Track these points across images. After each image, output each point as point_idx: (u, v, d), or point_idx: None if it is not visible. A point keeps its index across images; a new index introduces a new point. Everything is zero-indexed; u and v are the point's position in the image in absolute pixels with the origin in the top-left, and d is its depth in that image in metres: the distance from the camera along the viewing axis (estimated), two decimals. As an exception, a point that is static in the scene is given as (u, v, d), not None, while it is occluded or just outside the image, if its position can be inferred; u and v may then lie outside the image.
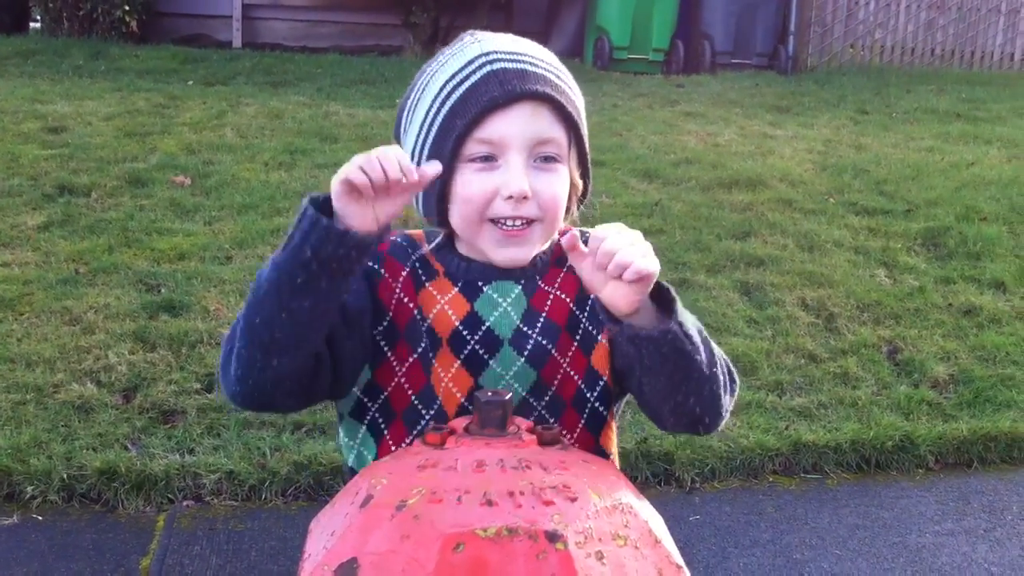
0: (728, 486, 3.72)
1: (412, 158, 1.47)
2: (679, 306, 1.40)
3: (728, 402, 1.48)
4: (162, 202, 5.35)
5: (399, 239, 1.55)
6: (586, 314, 1.54)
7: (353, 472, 1.51)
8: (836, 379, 4.29)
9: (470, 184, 1.43)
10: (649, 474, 3.68)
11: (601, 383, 1.54)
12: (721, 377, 1.45)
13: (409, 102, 1.52)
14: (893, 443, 3.93)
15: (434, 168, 1.35)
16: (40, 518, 3.25)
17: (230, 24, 10.28)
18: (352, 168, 1.32)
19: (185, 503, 3.36)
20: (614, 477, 1.28)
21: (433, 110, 1.45)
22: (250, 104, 7.30)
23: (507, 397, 1.31)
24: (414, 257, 1.53)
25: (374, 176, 1.31)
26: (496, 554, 1.11)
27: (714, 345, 1.47)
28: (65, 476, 3.33)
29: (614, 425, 1.59)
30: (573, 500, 1.17)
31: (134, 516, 3.29)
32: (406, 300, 1.50)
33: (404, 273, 1.51)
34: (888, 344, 4.57)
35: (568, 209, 1.52)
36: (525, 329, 1.50)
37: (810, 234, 5.51)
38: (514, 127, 1.42)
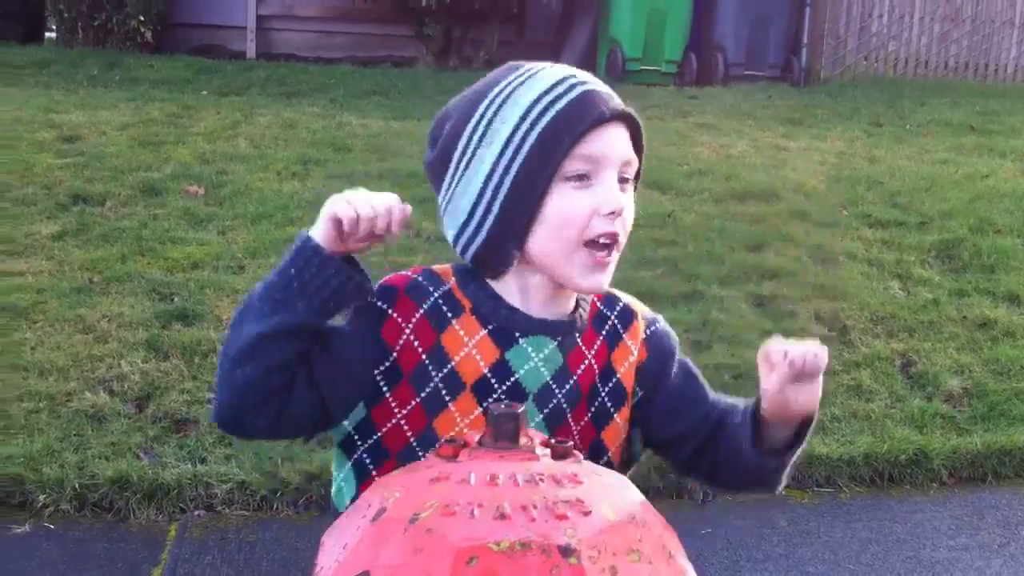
0: (740, 499, 3.71)
1: (489, 180, 1.42)
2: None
3: None
4: (176, 211, 5.37)
5: (420, 277, 1.50)
6: (607, 389, 1.52)
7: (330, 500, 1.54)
8: (849, 392, 4.27)
9: (571, 203, 1.39)
10: (661, 486, 3.66)
11: (606, 457, 1.52)
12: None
13: (472, 125, 1.44)
14: (907, 457, 3.91)
15: (406, 212, 1.38)
16: (52, 527, 3.25)
17: (244, 35, 10.32)
18: (347, 209, 1.36)
19: (197, 513, 3.37)
20: (628, 491, 1.28)
21: (523, 131, 1.40)
22: (264, 114, 7.32)
23: (520, 410, 1.30)
24: (437, 295, 1.47)
25: (363, 226, 1.36)
26: (509, 568, 1.10)
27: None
28: (77, 485, 3.33)
29: None
30: (587, 514, 1.17)
31: (146, 525, 3.30)
32: (416, 343, 1.45)
33: (419, 314, 1.46)
34: (902, 357, 4.55)
35: None
36: (553, 387, 1.47)
37: (823, 246, 5.49)
38: (611, 145, 1.41)
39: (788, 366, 1.40)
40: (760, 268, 5.15)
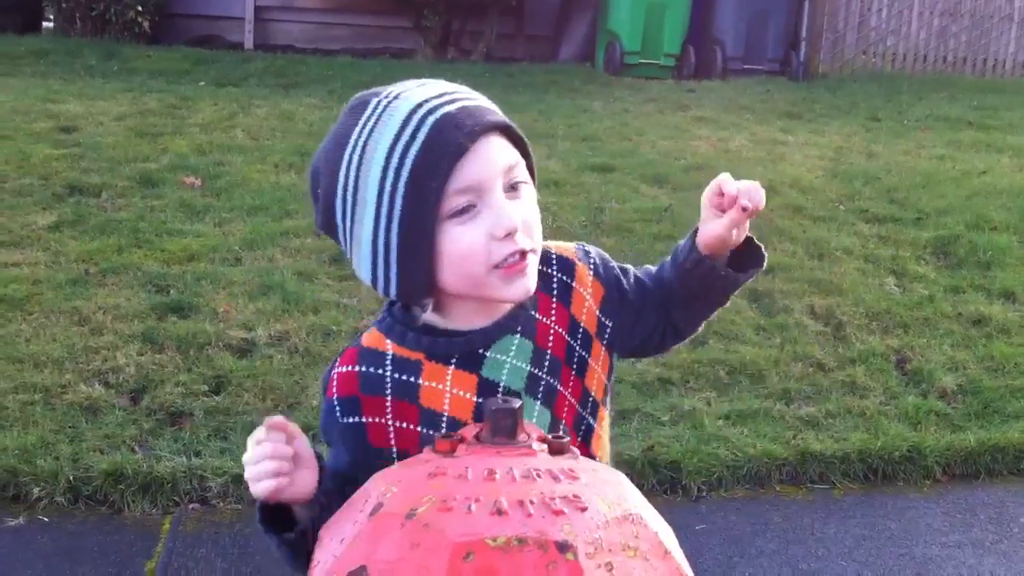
0: (735, 495, 3.71)
1: (375, 239, 1.37)
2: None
3: None
4: (172, 203, 5.36)
5: (362, 367, 1.46)
6: (578, 342, 1.52)
7: None
8: (844, 388, 4.28)
9: (461, 240, 1.35)
10: (655, 482, 3.67)
11: (591, 399, 1.54)
12: None
13: (340, 187, 1.38)
14: (901, 453, 3.91)
15: (280, 419, 1.35)
16: (46, 519, 3.25)
17: (242, 25, 10.32)
18: (261, 476, 1.34)
19: (191, 506, 3.36)
20: (624, 487, 1.28)
21: (389, 182, 1.33)
22: (261, 106, 7.32)
23: (517, 405, 1.31)
24: (388, 370, 1.44)
25: (284, 469, 1.34)
26: (506, 564, 1.11)
27: None
28: (72, 477, 3.33)
29: (604, 425, 1.59)
30: (583, 510, 1.17)
31: (140, 518, 3.29)
32: (405, 424, 1.45)
33: (388, 401, 1.44)
34: (897, 353, 4.55)
35: None
36: (536, 372, 1.48)
37: (820, 241, 5.50)
38: (485, 165, 1.34)
39: (741, 210, 1.45)
40: (757, 263, 5.14)
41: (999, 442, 4.01)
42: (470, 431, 1.33)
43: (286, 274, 4.62)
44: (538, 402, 1.48)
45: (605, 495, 1.21)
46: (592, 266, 1.56)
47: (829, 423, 4.05)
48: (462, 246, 1.35)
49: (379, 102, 1.37)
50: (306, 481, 1.37)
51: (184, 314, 4.26)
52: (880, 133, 7.92)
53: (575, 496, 1.18)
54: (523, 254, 1.39)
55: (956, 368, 4.48)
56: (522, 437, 1.30)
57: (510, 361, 1.48)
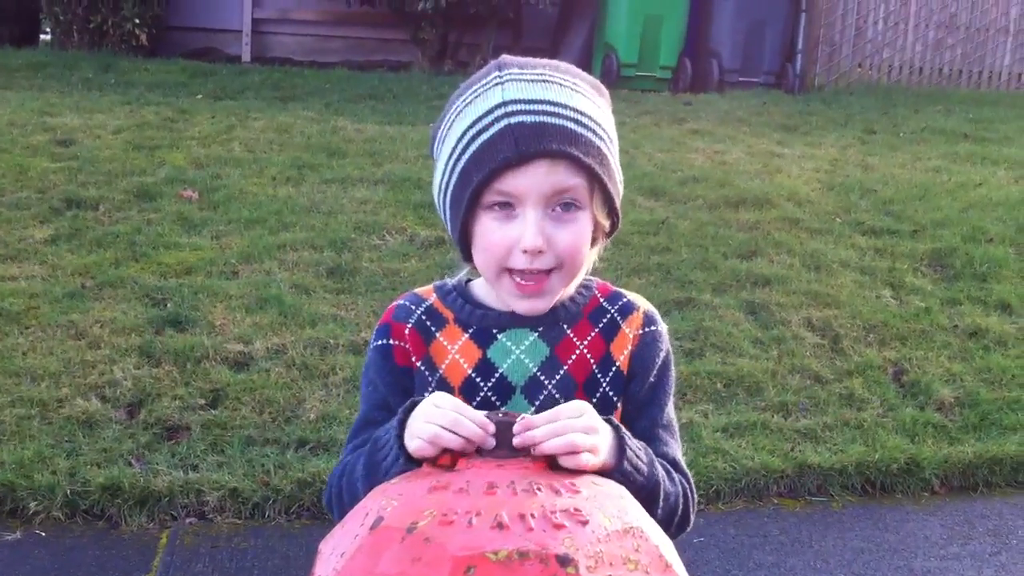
0: (733, 508, 3.71)
1: (439, 192, 1.51)
2: (629, 452, 1.39)
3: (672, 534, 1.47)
4: (169, 216, 5.36)
5: (405, 301, 1.60)
6: (608, 379, 1.54)
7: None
8: (842, 400, 4.28)
9: (489, 234, 1.45)
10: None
11: None
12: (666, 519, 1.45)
13: (440, 131, 1.52)
14: (898, 466, 3.91)
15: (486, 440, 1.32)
16: (43, 534, 3.24)
17: (240, 38, 10.32)
18: (432, 435, 1.31)
19: (188, 520, 3.36)
20: (625, 500, 1.28)
21: (455, 156, 1.46)
22: (258, 118, 7.31)
23: (518, 418, 1.31)
24: (419, 311, 1.57)
25: (454, 446, 1.31)
26: (506, 578, 1.10)
27: (671, 483, 1.49)
28: (69, 492, 3.32)
29: None
30: (584, 523, 1.17)
31: (137, 533, 3.28)
32: (412, 355, 1.55)
33: (408, 330, 1.56)
34: (894, 366, 4.56)
35: (595, 241, 1.51)
36: (542, 378, 1.52)
37: (816, 254, 5.50)
38: (529, 183, 1.41)
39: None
40: (753, 275, 5.15)
41: (996, 454, 4.02)
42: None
43: (283, 287, 4.62)
44: (532, 408, 1.50)
45: (606, 508, 1.21)
46: (648, 328, 1.58)
47: (827, 435, 4.05)
48: (487, 240, 1.46)
49: (492, 79, 1.46)
50: None
51: (181, 328, 4.26)
52: (876, 145, 7.94)
53: (576, 509, 1.18)
54: (544, 273, 1.45)
55: (953, 380, 4.49)
56: (523, 451, 1.30)
57: (517, 354, 1.52)
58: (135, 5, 9.42)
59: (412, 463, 1.35)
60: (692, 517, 1.56)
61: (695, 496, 1.58)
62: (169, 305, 4.44)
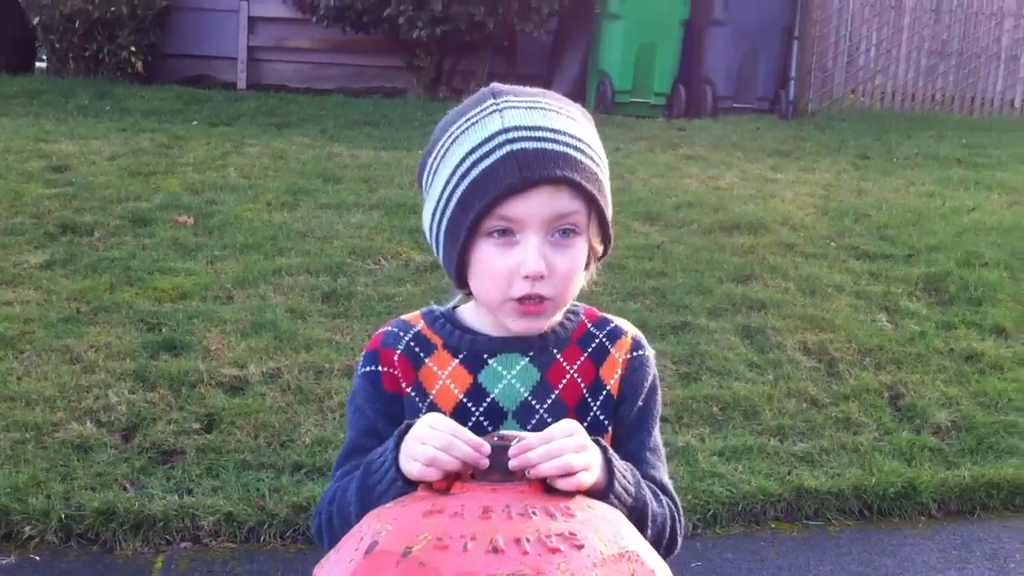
0: (730, 532, 3.70)
1: (432, 220, 1.51)
2: (617, 473, 1.40)
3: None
4: (164, 241, 5.36)
5: (392, 327, 1.59)
6: (599, 403, 1.55)
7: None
8: (838, 424, 4.27)
9: (489, 261, 1.45)
10: (650, 519, 3.64)
11: None
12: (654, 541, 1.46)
13: (431, 161, 1.51)
14: (895, 490, 3.90)
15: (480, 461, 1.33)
16: (38, 558, 3.22)
17: (235, 65, 10.36)
18: (430, 458, 1.31)
19: (183, 544, 3.34)
20: (621, 524, 1.28)
21: (453, 183, 1.45)
22: (254, 144, 7.33)
23: (513, 442, 1.31)
24: (407, 337, 1.56)
25: (453, 468, 1.31)
26: (502, 602, 1.10)
27: (658, 505, 1.50)
28: (63, 516, 3.31)
29: None
30: (579, 548, 1.17)
31: (132, 557, 3.27)
32: (403, 382, 1.54)
33: (397, 356, 1.55)
34: (890, 389, 4.55)
35: (588, 265, 1.53)
36: (533, 403, 1.52)
37: (811, 278, 5.51)
38: (531, 209, 1.42)
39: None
40: (748, 299, 5.16)
41: (993, 478, 4.01)
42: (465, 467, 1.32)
43: (278, 312, 4.62)
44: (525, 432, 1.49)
45: (601, 532, 1.21)
46: (636, 352, 1.59)
47: (823, 459, 4.04)
48: (487, 267, 1.46)
49: (487, 107, 1.46)
50: None
51: (176, 352, 4.25)
52: (869, 171, 7.97)
53: (571, 533, 1.18)
54: (541, 299, 1.46)
55: (949, 404, 4.49)
56: (518, 474, 1.30)
57: (508, 379, 1.52)
58: (131, 33, 9.47)
59: (409, 486, 1.35)
60: (680, 540, 1.57)
61: (683, 519, 1.58)
62: (164, 330, 4.43)
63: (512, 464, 1.29)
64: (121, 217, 5.63)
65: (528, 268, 1.42)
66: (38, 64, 11.09)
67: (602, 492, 1.37)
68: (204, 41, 10.31)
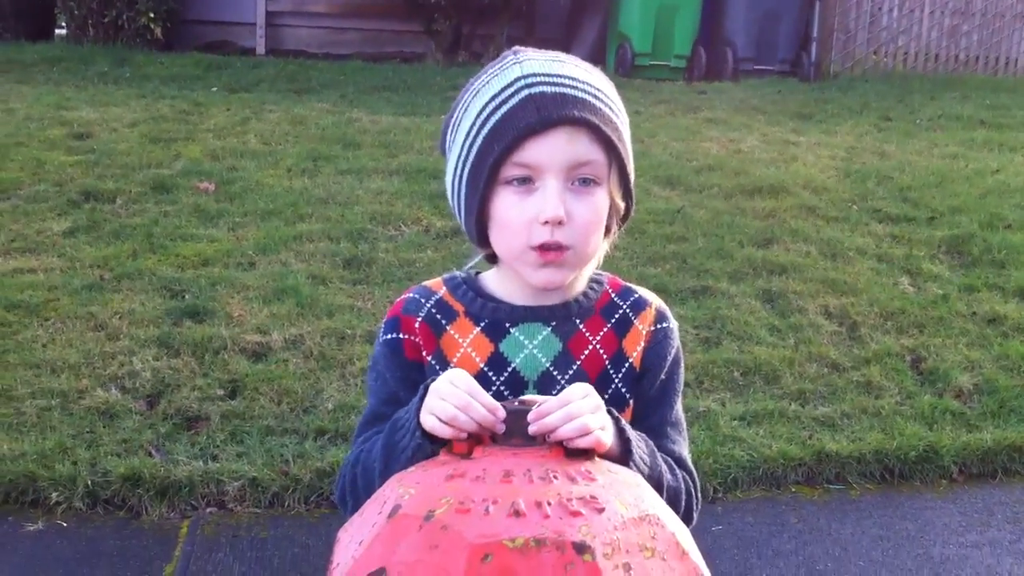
0: (751, 496, 3.71)
1: (454, 175, 1.50)
2: (632, 443, 1.41)
3: None
4: (186, 208, 5.38)
5: (414, 294, 1.59)
6: (620, 375, 1.55)
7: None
8: (859, 388, 4.27)
9: (508, 209, 1.44)
10: (671, 483, 3.65)
11: None
12: None
13: (453, 118, 1.52)
14: (917, 453, 3.90)
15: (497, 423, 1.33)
16: (64, 524, 3.26)
17: (254, 31, 10.35)
18: (450, 416, 1.32)
19: (208, 510, 3.37)
20: (641, 488, 1.28)
21: (473, 132, 1.45)
22: (273, 111, 7.34)
23: (533, 406, 1.32)
24: (429, 304, 1.56)
25: (470, 428, 1.32)
26: (524, 565, 1.11)
27: (672, 478, 1.50)
28: (90, 482, 3.34)
29: None
30: (600, 511, 1.17)
31: (158, 523, 3.30)
32: (423, 349, 1.54)
33: (418, 323, 1.55)
34: (912, 353, 4.54)
35: (609, 229, 1.52)
36: (555, 373, 1.52)
37: (833, 241, 5.49)
38: (551, 152, 1.41)
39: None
40: (769, 263, 5.14)
41: (1015, 441, 4.00)
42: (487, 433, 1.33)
43: (300, 278, 4.64)
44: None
45: (622, 496, 1.22)
46: (660, 325, 1.58)
47: (845, 423, 4.04)
48: (507, 215, 1.45)
49: (508, 61, 1.48)
50: None
51: (199, 319, 4.28)
52: (892, 133, 7.90)
53: (592, 497, 1.19)
54: (560, 248, 1.44)
55: (971, 367, 4.47)
56: (539, 438, 1.31)
57: (530, 349, 1.52)
58: (150, -1, 9.46)
59: (431, 443, 1.36)
60: (695, 516, 1.57)
61: (699, 496, 1.58)
62: (187, 296, 4.46)
63: (531, 430, 1.30)
64: (143, 184, 5.65)
65: (547, 213, 1.41)
66: (57, 31, 11.09)
67: (620, 460, 1.38)
68: (223, 7, 10.30)
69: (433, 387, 1.36)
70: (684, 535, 1.24)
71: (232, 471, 3.44)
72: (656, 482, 1.43)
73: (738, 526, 3.50)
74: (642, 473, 1.39)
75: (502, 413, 1.32)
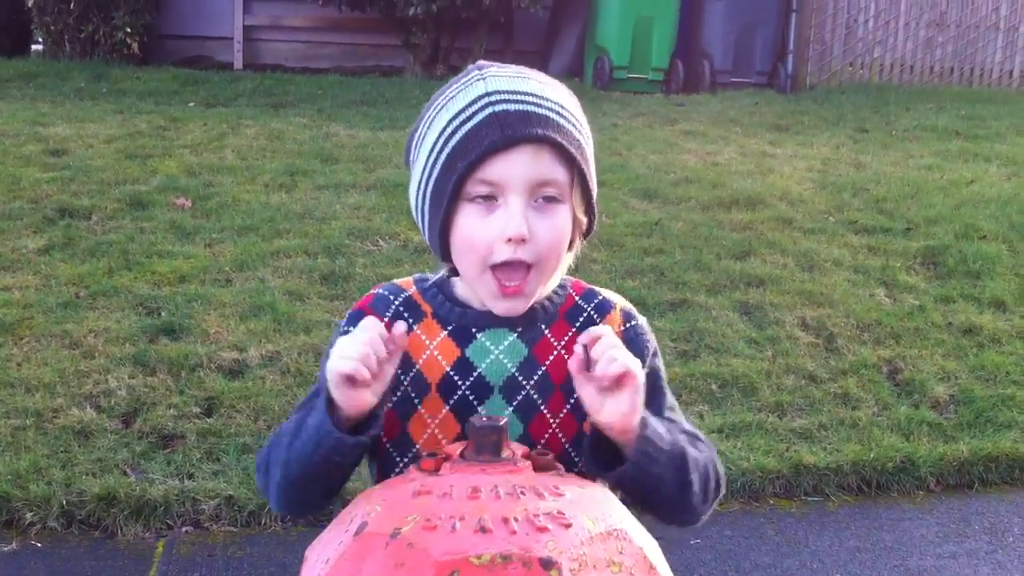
0: (728, 509, 3.71)
1: (418, 190, 1.51)
2: (649, 429, 1.42)
3: (706, 509, 1.53)
4: (162, 224, 5.36)
5: (383, 290, 1.60)
6: None
7: None
8: (836, 400, 4.28)
9: (472, 226, 1.44)
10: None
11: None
12: (695, 493, 1.48)
13: (417, 134, 1.52)
14: (894, 464, 3.92)
15: (401, 329, 1.40)
16: (39, 544, 3.24)
17: (231, 45, 10.33)
18: (347, 363, 1.35)
19: (184, 529, 3.36)
20: (609, 502, 1.28)
21: (437, 148, 1.45)
22: (251, 126, 7.32)
23: (502, 423, 1.31)
24: (397, 302, 1.56)
25: (370, 366, 1.36)
26: (490, 582, 1.11)
27: (696, 449, 1.50)
28: (64, 502, 3.32)
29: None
30: (567, 527, 1.17)
31: (133, 542, 3.28)
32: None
33: (384, 322, 1.51)
34: (888, 364, 4.56)
35: (572, 243, 1.52)
36: (520, 379, 1.51)
37: (810, 253, 5.51)
38: (514, 170, 1.42)
39: (576, 361, 1.40)
40: (747, 275, 5.16)
41: (992, 452, 4.02)
42: (454, 449, 1.34)
43: (277, 294, 4.62)
44: (510, 409, 1.50)
45: (590, 511, 1.21)
46: (628, 324, 1.58)
47: (822, 435, 4.05)
48: (470, 232, 1.45)
49: (472, 77, 1.48)
50: (367, 399, 1.40)
51: (175, 336, 4.26)
52: (868, 144, 7.95)
53: (559, 512, 1.19)
54: (525, 267, 1.44)
55: (948, 378, 4.49)
56: (507, 454, 1.30)
57: (496, 354, 1.52)
58: (126, 14, 9.43)
59: (333, 424, 1.38)
60: (722, 487, 1.57)
61: (720, 466, 1.58)
62: (163, 314, 4.44)
63: (583, 340, 1.39)
64: (119, 200, 5.63)
65: (511, 231, 1.41)
66: (33, 47, 11.05)
67: (638, 438, 1.39)
68: (200, 21, 10.28)
69: (338, 343, 1.39)
70: (652, 549, 1.24)
71: (208, 490, 3.42)
72: (680, 457, 1.45)
73: (716, 539, 3.50)
74: (661, 448, 1.41)
75: (382, 348, 1.37)
